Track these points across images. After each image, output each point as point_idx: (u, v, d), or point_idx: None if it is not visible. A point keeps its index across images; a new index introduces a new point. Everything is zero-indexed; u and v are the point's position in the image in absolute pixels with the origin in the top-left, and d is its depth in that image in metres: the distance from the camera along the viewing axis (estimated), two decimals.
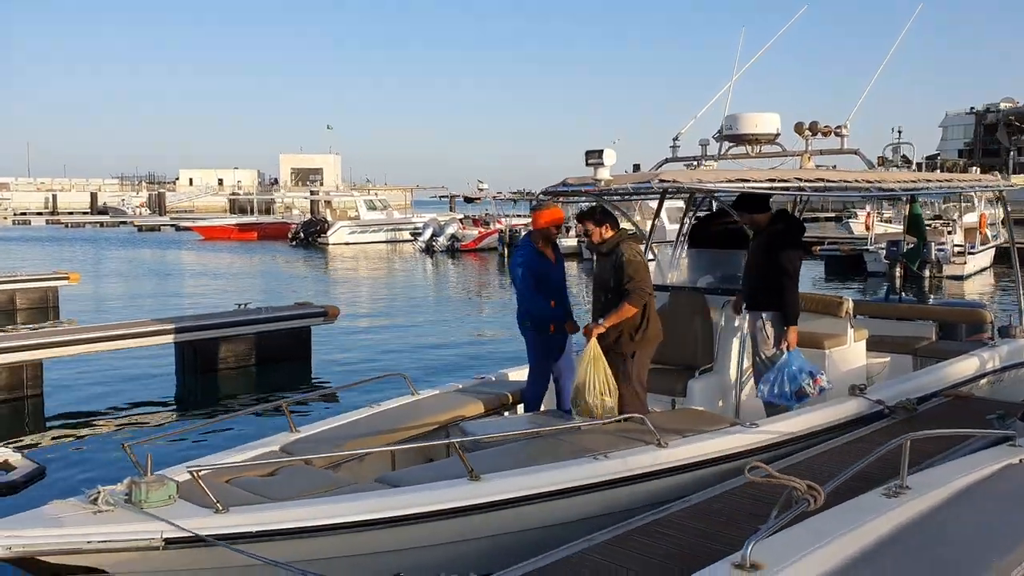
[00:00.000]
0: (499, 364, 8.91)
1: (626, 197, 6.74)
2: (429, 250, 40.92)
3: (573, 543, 4.41)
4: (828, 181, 6.62)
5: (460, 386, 7.11)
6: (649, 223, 8.77)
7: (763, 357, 6.49)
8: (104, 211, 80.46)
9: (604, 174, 5.98)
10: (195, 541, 4.06)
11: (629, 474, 5.13)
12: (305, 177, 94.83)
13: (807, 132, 7.40)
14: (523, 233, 36.14)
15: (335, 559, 4.39)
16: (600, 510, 4.97)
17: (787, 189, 6.28)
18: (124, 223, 69.43)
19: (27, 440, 9.14)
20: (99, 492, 4.20)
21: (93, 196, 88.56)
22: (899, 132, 10.14)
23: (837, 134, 7.50)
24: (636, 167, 8.19)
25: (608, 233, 6.19)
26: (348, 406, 7.05)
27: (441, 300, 23.61)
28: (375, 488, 4.70)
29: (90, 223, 71.47)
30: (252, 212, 66.65)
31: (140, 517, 4.10)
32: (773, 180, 6.19)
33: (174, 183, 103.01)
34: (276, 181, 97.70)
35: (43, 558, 3.93)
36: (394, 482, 4.78)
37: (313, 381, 12.44)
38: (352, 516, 4.36)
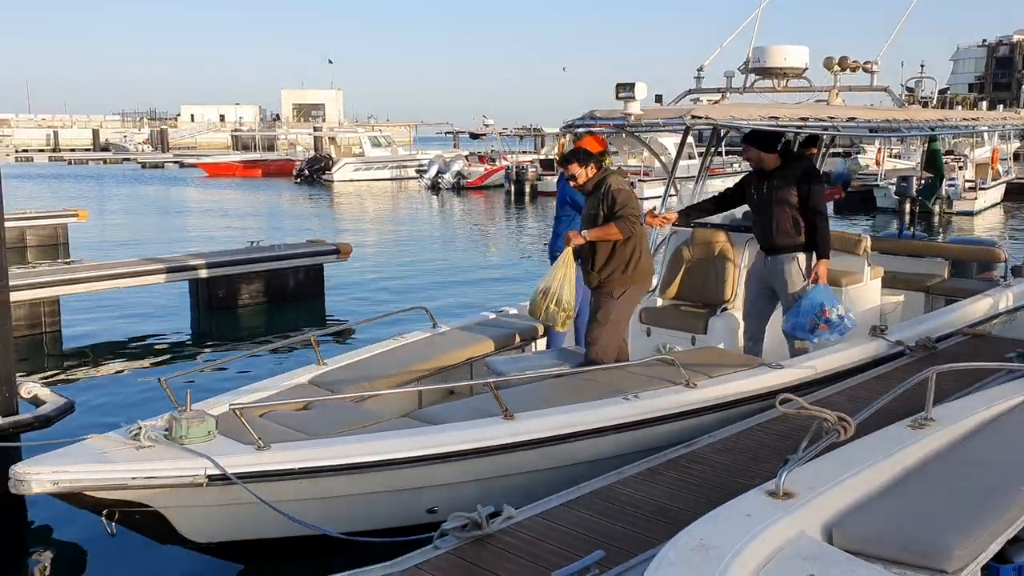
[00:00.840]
0: (509, 300, 8.95)
1: (653, 132, 6.69)
2: (435, 187, 40.70)
3: (603, 476, 4.51)
4: (860, 120, 6.55)
5: (481, 319, 7.17)
6: (664, 159, 8.70)
7: (796, 296, 6.33)
8: (106, 148, 79.80)
9: (635, 108, 5.92)
10: (239, 478, 4.13)
11: (659, 414, 5.21)
12: (307, 113, 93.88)
13: (836, 67, 7.29)
14: (529, 169, 36.09)
15: (373, 494, 4.49)
16: (631, 448, 5.06)
17: (820, 127, 6.22)
18: (127, 160, 68.97)
19: (50, 375, 9.25)
20: (140, 428, 4.26)
21: (95, 133, 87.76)
22: (922, 66, 10.03)
23: (866, 70, 7.39)
24: (658, 99, 8.08)
25: (592, 172, 6.05)
26: (371, 340, 7.12)
27: (448, 238, 23.61)
28: (412, 425, 4.79)
29: (93, 160, 70.98)
30: (255, 149, 66.14)
31: (183, 454, 4.16)
32: (805, 117, 6.12)
33: (175, 119, 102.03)
34: (278, 117, 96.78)
35: (89, 493, 4.02)
36: (429, 419, 4.87)
37: (328, 317, 12.54)
38: (392, 454, 4.45)
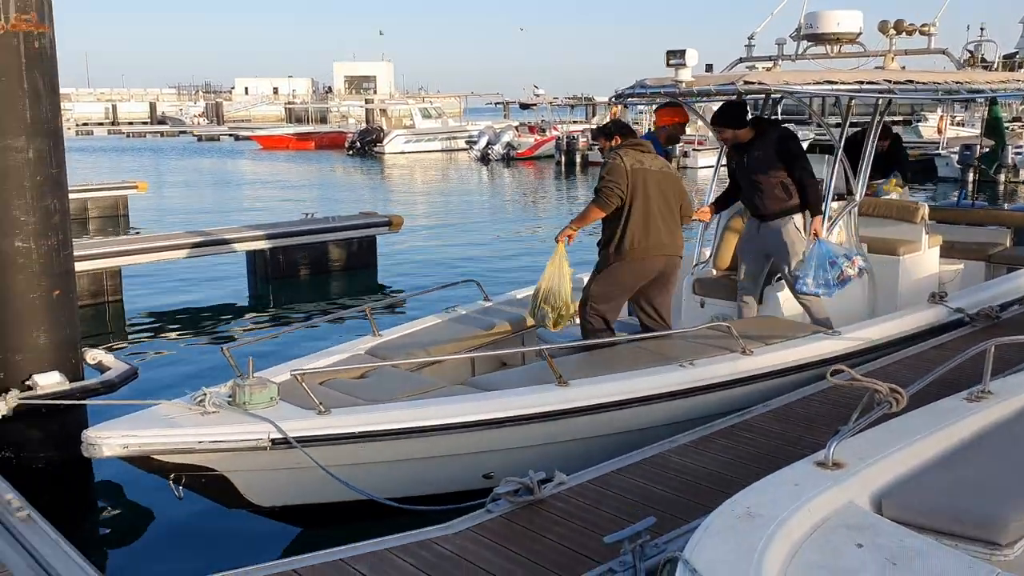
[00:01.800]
0: None
1: (704, 100, 6.64)
2: (484, 159, 40.70)
3: (656, 444, 4.55)
4: (918, 83, 6.41)
5: (530, 292, 7.20)
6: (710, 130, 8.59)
7: (796, 258, 6.30)
8: (163, 121, 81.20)
9: (686, 75, 5.86)
10: (300, 442, 4.25)
11: (714, 381, 5.22)
12: (359, 85, 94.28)
13: (891, 31, 7.11)
14: (580, 139, 35.85)
15: (430, 459, 4.59)
16: (685, 416, 5.09)
17: (876, 91, 6.11)
18: (183, 133, 70.09)
19: (113, 343, 9.54)
20: (204, 394, 4.38)
21: (152, 106, 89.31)
22: (981, 29, 9.74)
23: (923, 33, 7.19)
24: (708, 68, 7.96)
25: (611, 145, 5.89)
26: (423, 312, 7.21)
27: (498, 209, 23.66)
28: (468, 392, 4.88)
29: (150, 133, 72.32)
30: (308, 121, 66.71)
31: (247, 418, 4.28)
32: (861, 81, 6.02)
33: (230, 92, 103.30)
34: (330, 89, 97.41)
35: (156, 457, 4.17)
36: (484, 386, 4.95)
37: (380, 289, 12.70)
38: (448, 419, 4.54)
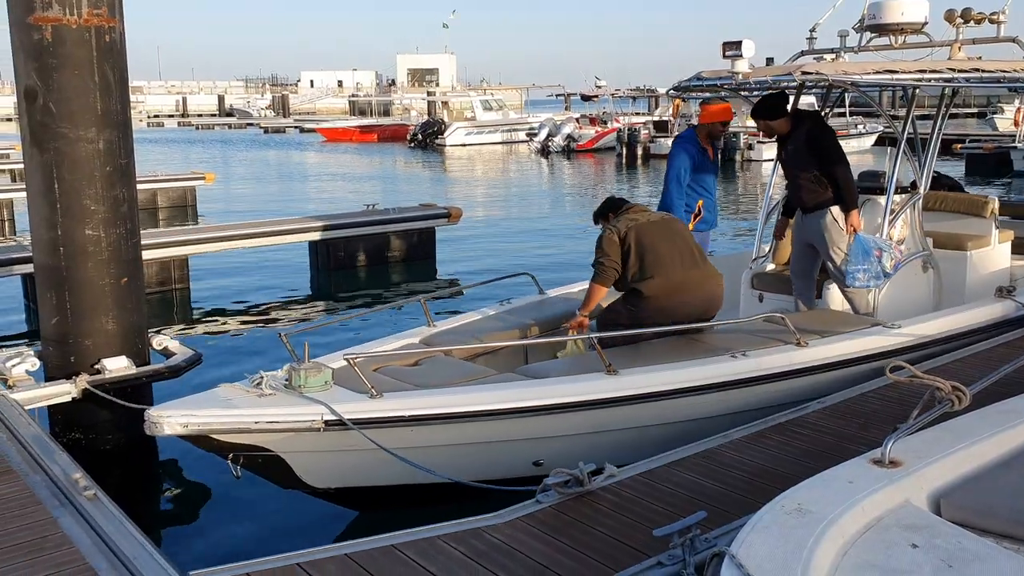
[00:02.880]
0: None
1: (762, 91, 6.55)
2: (545, 151, 40.65)
3: (709, 439, 4.52)
4: (983, 71, 6.23)
5: (585, 286, 7.20)
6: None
7: (841, 251, 6.28)
8: (231, 113, 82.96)
9: (742, 66, 5.79)
10: (354, 424, 4.34)
11: (767, 372, 5.17)
12: (421, 78, 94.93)
13: (958, 20, 6.91)
14: (642, 132, 35.68)
15: (479, 444, 4.63)
16: (736, 407, 5.06)
17: (938, 80, 5.95)
18: (250, 125, 71.50)
19: (180, 329, 9.79)
20: (262, 377, 4.51)
21: (220, 99, 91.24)
22: None
23: (992, 21, 6.95)
24: (769, 60, 7.86)
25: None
26: (478, 303, 7.26)
27: (558, 202, 23.63)
28: (517, 379, 4.90)
29: (218, 125, 73.92)
30: (371, 114, 67.45)
31: (301, 401, 4.39)
32: (922, 71, 5.87)
33: (296, 85, 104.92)
34: (393, 82, 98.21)
35: (215, 436, 4.29)
36: (534, 374, 4.97)
37: (438, 280, 12.81)
38: (497, 404, 4.58)
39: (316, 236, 12.44)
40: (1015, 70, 6.49)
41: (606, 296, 5.80)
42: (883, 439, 3.32)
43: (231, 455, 4.36)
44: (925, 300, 6.64)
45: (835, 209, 6.28)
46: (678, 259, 5.54)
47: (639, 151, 35.56)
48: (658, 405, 4.90)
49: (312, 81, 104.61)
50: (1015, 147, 26.50)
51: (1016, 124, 30.57)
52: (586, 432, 4.80)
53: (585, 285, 7.15)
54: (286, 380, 4.53)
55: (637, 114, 43.75)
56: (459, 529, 3.70)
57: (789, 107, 6.55)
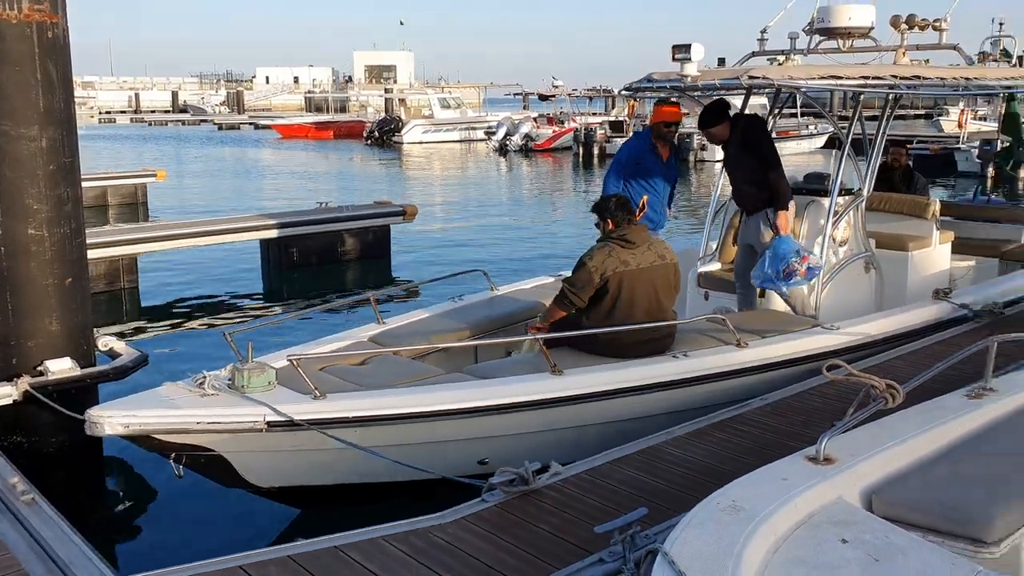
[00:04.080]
0: (571, 263, 8.97)
1: (711, 94, 6.64)
2: (503, 149, 40.66)
3: (652, 436, 4.58)
4: (923, 78, 6.39)
5: (538, 283, 7.25)
6: None
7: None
8: (185, 110, 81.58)
9: (691, 70, 5.86)
10: (296, 425, 4.33)
11: (708, 372, 5.25)
12: (379, 75, 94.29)
13: (903, 26, 7.07)
14: (598, 131, 35.87)
15: (424, 444, 4.64)
16: (680, 406, 5.13)
17: (880, 86, 6.09)
18: (204, 121, 70.45)
19: (128, 329, 9.65)
20: (204, 377, 4.50)
21: (174, 95, 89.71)
22: (1000, 24, 9.59)
23: (935, 28, 7.13)
24: (721, 61, 7.96)
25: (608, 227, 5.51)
26: (430, 301, 7.26)
27: (516, 200, 23.66)
28: (463, 379, 4.92)
29: (172, 122, 72.76)
30: (327, 111, 66.89)
31: (244, 401, 4.38)
32: (866, 76, 6.00)
33: (251, 81, 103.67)
34: (350, 79, 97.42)
35: (156, 436, 4.26)
36: (480, 374, 4.99)
37: (393, 278, 12.77)
38: (442, 405, 4.60)
39: (268, 234, 12.32)
40: (953, 77, 6.66)
41: None
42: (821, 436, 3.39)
43: (173, 455, 4.34)
44: (867, 300, 6.77)
45: (770, 211, 6.35)
46: (646, 311, 5.31)
47: (595, 151, 35.72)
48: (601, 404, 4.95)
49: (267, 77, 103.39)
50: (959, 148, 27.12)
51: (960, 126, 31.30)
52: (531, 431, 4.84)
53: (538, 282, 7.24)
54: (229, 380, 4.52)
55: (594, 114, 43.90)
56: (403, 529, 3.71)
57: (738, 110, 6.64)
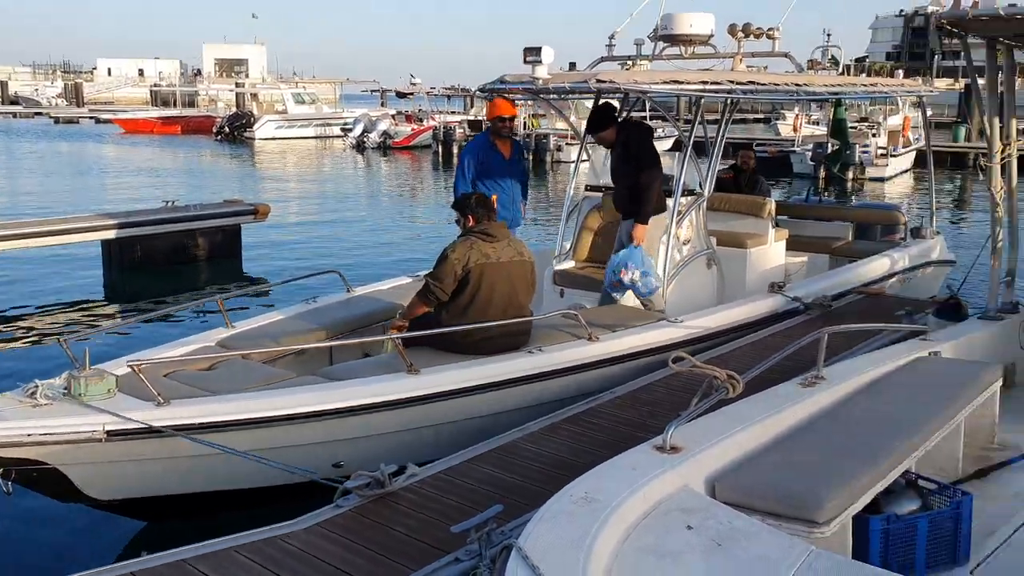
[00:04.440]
0: (428, 263, 8.95)
1: (562, 96, 6.79)
2: (360, 147, 40.16)
3: (507, 433, 4.63)
4: (758, 84, 6.75)
5: (395, 283, 7.19)
6: (583, 123, 8.79)
7: None
8: (16, 101, 76.56)
9: (542, 72, 5.97)
10: (137, 433, 4.13)
11: (561, 366, 5.36)
12: (229, 69, 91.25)
13: (740, 34, 7.45)
14: (457, 130, 35.97)
15: (277, 449, 4.51)
16: (535, 400, 5.21)
17: (719, 91, 6.38)
18: (39, 114, 66.23)
19: None
20: (36, 386, 4.23)
21: (3, 85, 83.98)
22: (828, 35, 10.32)
23: (769, 36, 7.57)
24: (572, 65, 8.16)
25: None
26: (283, 303, 7.07)
27: (374, 198, 23.40)
28: (315, 382, 4.82)
29: (1, 114, 68.03)
30: (175, 105, 64.15)
31: (81, 410, 4.15)
32: (705, 82, 6.28)
33: (91, 73, 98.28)
34: (199, 72, 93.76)
35: None
36: (335, 376, 4.90)
37: (244, 279, 12.37)
38: (292, 409, 4.49)
39: (109, 235, 11.68)
40: (785, 84, 7.07)
41: None
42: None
43: (1, 471, 4.05)
44: (709, 294, 7.09)
45: (630, 222, 6.60)
46: (504, 306, 5.35)
47: (455, 149, 35.71)
48: (458, 402, 4.96)
49: (110, 69, 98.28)
50: (794, 151, 28.73)
51: (795, 130, 33.21)
52: (387, 432, 4.80)
53: (396, 282, 7.18)
54: (65, 389, 4.27)
55: (453, 113, 43.97)
56: (255, 539, 3.60)
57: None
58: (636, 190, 6.54)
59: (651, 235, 6.77)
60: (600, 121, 6.74)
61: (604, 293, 6.67)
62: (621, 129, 6.75)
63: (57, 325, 9.72)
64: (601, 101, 7.21)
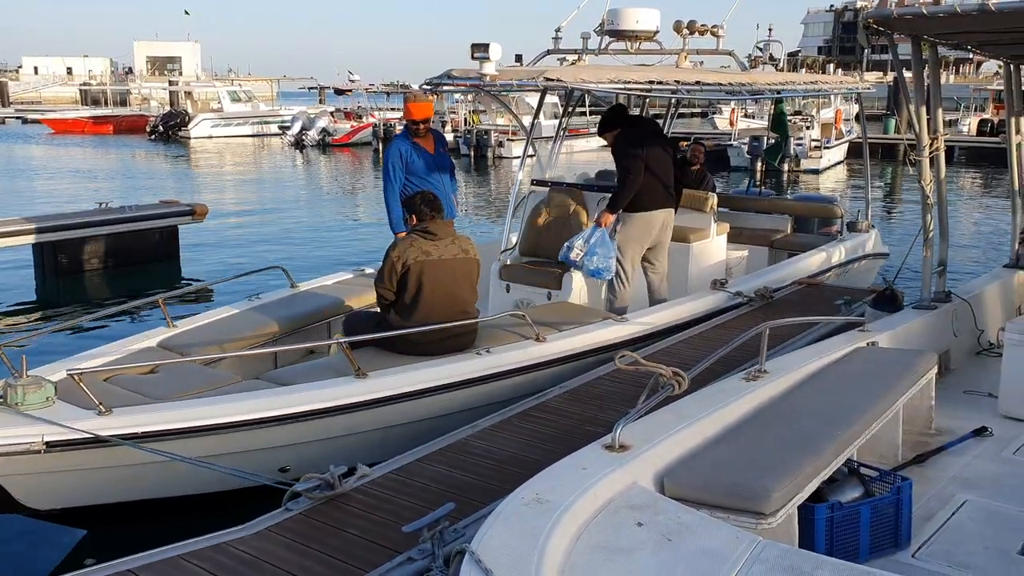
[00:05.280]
0: (371, 258, 8.89)
1: (509, 92, 6.79)
2: (299, 144, 39.69)
3: (458, 430, 4.63)
4: (704, 84, 6.83)
5: (339, 278, 7.13)
6: (528, 118, 8.82)
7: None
8: None
9: (490, 68, 5.96)
10: (78, 443, 4.03)
11: (510, 367, 5.37)
12: (162, 67, 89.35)
13: (685, 31, 7.52)
14: (397, 127, 35.83)
15: (222, 455, 4.44)
16: (484, 400, 5.20)
17: (666, 89, 6.44)
18: None
19: None
20: None
21: None
22: (769, 30, 10.52)
23: (714, 34, 7.65)
24: (518, 58, 8.14)
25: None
26: (226, 302, 6.94)
27: (314, 197, 23.13)
28: (261, 387, 4.75)
29: None
30: (106, 104, 62.54)
31: (19, 420, 4.04)
32: (653, 80, 6.33)
33: (16, 71, 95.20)
34: (131, 70, 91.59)
35: None
36: (281, 380, 4.84)
37: (183, 281, 12.14)
38: (239, 416, 4.42)
39: (40, 238, 11.36)
40: (730, 83, 7.16)
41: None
42: (616, 419, 3.54)
43: None
44: None
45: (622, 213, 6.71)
46: (448, 303, 5.39)
47: None
48: (407, 405, 4.94)
49: (36, 67, 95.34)
50: (731, 145, 29.19)
51: (732, 124, 33.76)
52: (335, 436, 4.75)
53: (340, 277, 7.14)
54: (1, 397, 4.14)
55: (392, 109, 43.66)
56: (202, 546, 3.55)
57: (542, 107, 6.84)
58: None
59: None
60: (606, 124, 6.92)
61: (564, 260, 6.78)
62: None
63: None
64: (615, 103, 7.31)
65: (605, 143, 7.08)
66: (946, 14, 4.48)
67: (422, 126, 6.98)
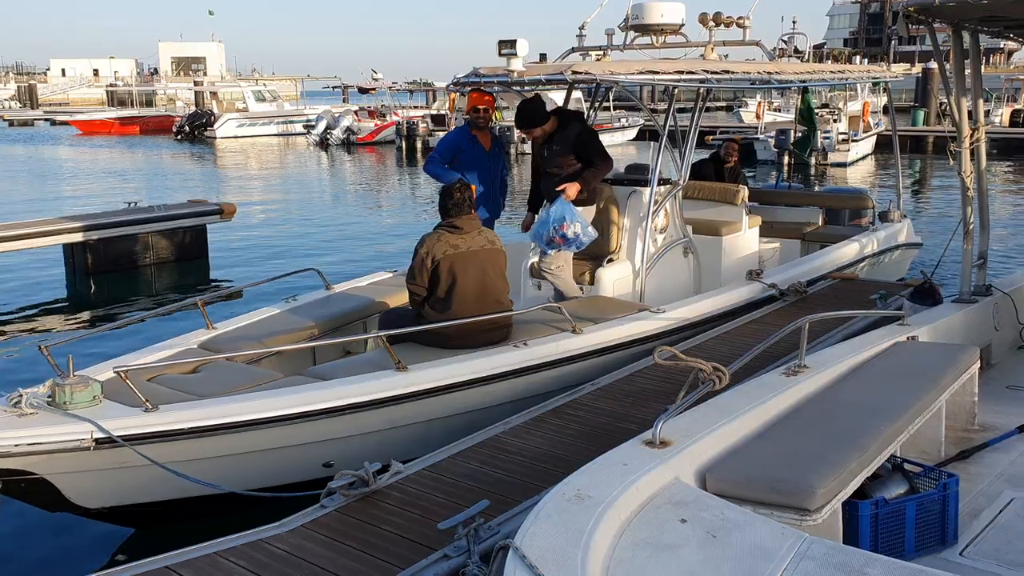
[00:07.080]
0: (403, 258, 8.86)
1: (536, 88, 6.75)
2: (323, 143, 39.85)
3: (490, 427, 4.61)
4: (733, 73, 6.77)
5: (375, 279, 7.14)
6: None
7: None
8: None
9: (517, 65, 5.95)
10: (126, 440, 4.05)
11: (547, 360, 5.36)
12: (187, 67, 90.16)
13: (711, 23, 7.46)
14: (420, 125, 35.85)
15: (266, 451, 4.47)
16: (522, 393, 5.21)
17: (694, 79, 6.38)
18: None
19: None
20: (20, 395, 4.15)
21: None
22: (794, 22, 10.38)
23: (739, 25, 7.59)
24: (543, 56, 8.12)
25: None
26: (261, 303, 6.96)
27: (339, 195, 23.21)
28: (303, 382, 4.77)
29: None
30: (132, 105, 63.19)
31: (68, 419, 4.08)
32: (681, 72, 6.28)
33: (45, 74, 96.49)
34: (156, 71, 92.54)
35: None
36: (322, 375, 4.86)
37: (212, 280, 12.21)
38: (283, 410, 4.44)
39: (72, 238, 11.45)
40: (759, 72, 7.09)
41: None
42: (652, 415, 3.50)
43: None
44: (687, 282, 7.12)
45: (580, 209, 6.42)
46: (481, 294, 5.38)
47: (419, 144, 35.61)
48: (449, 397, 4.95)
49: (64, 70, 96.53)
50: (757, 138, 28.95)
51: (758, 117, 33.48)
52: (377, 430, 4.77)
53: (376, 278, 7.16)
54: (49, 397, 4.19)
55: (415, 108, 43.75)
56: (240, 543, 3.56)
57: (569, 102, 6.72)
58: (574, 177, 6.31)
59: (629, 225, 6.77)
60: (535, 117, 6.42)
61: (542, 253, 6.51)
62: (567, 121, 6.54)
63: (24, 332, 9.52)
64: (532, 95, 7.03)
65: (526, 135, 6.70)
66: None
67: (482, 115, 7.00)
